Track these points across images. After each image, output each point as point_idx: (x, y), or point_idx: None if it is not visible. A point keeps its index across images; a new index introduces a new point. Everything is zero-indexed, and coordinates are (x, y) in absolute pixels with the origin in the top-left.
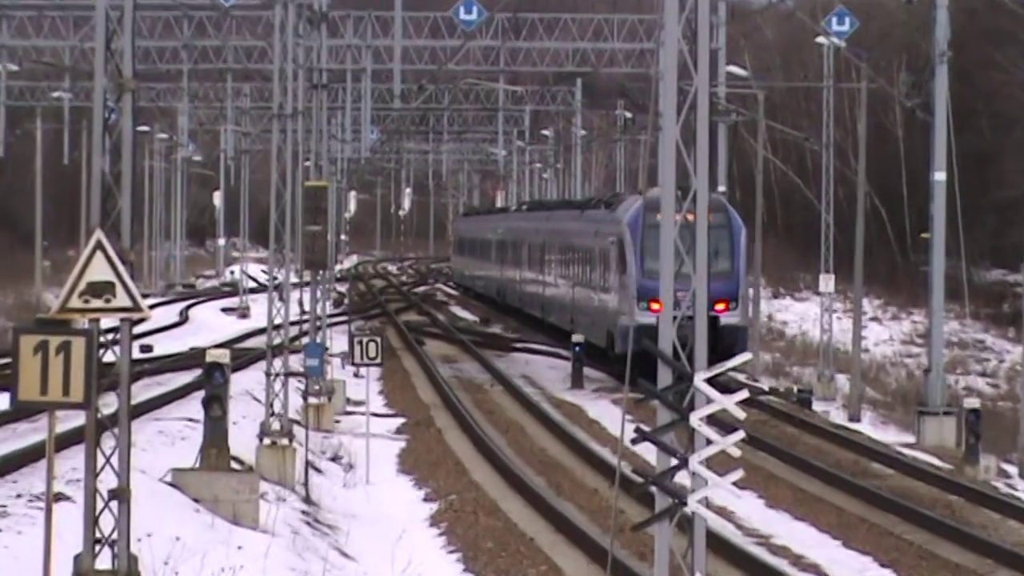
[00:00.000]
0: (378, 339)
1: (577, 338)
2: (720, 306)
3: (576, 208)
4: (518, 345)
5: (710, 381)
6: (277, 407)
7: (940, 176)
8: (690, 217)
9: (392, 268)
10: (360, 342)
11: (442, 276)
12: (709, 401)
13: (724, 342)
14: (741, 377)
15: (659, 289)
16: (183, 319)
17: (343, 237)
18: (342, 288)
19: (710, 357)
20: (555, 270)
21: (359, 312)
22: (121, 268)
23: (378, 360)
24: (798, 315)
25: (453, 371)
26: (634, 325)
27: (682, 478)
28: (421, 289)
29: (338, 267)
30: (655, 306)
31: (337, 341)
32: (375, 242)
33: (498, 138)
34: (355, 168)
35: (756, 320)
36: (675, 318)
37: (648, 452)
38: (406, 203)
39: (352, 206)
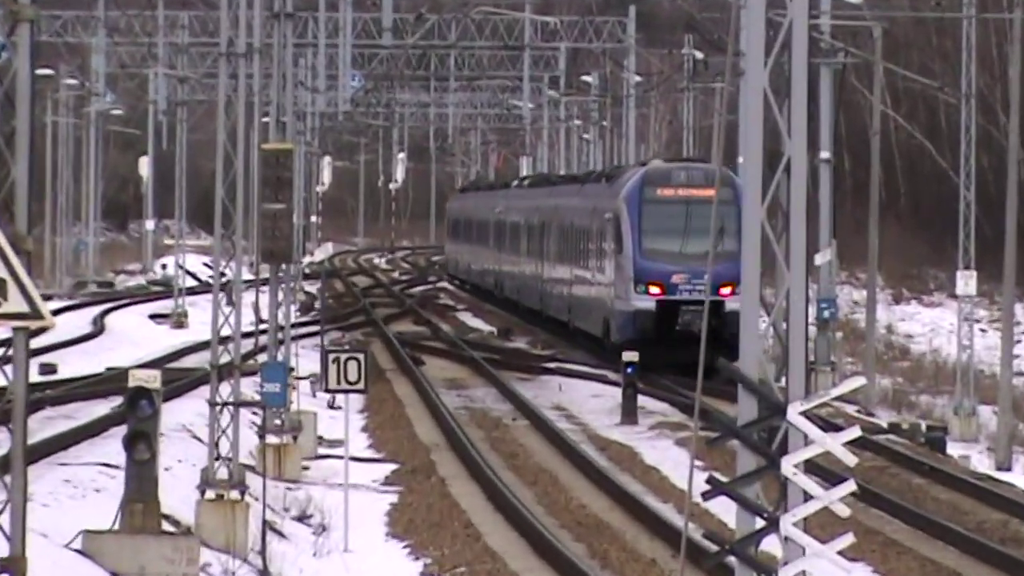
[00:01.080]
0: (361, 357)
1: (630, 357)
2: (725, 290)
3: (577, 183)
4: (549, 365)
5: (809, 414)
6: (225, 448)
7: None
8: (695, 192)
9: (380, 261)
10: (337, 361)
11: (447, 271)
12: (808, 441)
13: (730, 329)
14: (851, 409)
15: (659, 271)
16: (98, 329)
17: (314, 219)
18: (312, 288)
19: (714, 345)
20: (553, 254)
21: (335, 321)
22: (14, 261)
23: (361, 385)
24: (927, 326)
25: (462, 400)
26: (631, 310)
27: (771, 545)
28: (419, 289)
29: (307, 260)
30: (654, 289)
31: (306, 359)
32: (357, 226)
33: (523, 86)
34: (331, 126)
35: (871, 332)
36: (675, 303)
37: (725, 510)
38: (399, 174)
39: (327, 177)
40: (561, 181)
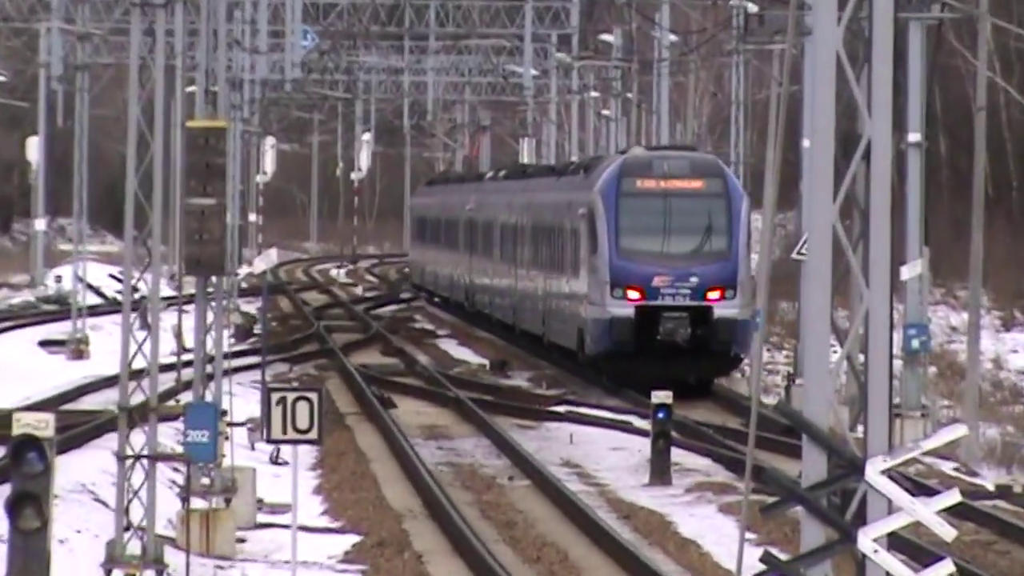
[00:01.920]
0: (314, 397)
1: (661, 397)
2: (714, 294)
3: (555, 174)
4: (557, 408)
5: (894, 474)
6: (137, 515)
7: None
8: (681, 184)
9: (339, 273)
10: (282, 403)
11: (410, 281)
12: (893, 509)
13: (719, 338)
14: (947, 467)
15: (638, 273)
16: None
17: (254, 218)
18: (252, 308)
19: (701, 358)
20: (527, 258)
21: (281, 350)
22: None
23: (313, 434)
24: None
25: (444, 454)
26: (606, 318)
27: None
28: (388, 309)
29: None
30: (632, 294)
31: (243, 400)
32: (309, 228)
33: (524, 47)
34: (275, 99)
35: (974, 368)
36: (656, 309)
37: None
38: (364, 160)
39: (270, 164)
40: (538, 172)
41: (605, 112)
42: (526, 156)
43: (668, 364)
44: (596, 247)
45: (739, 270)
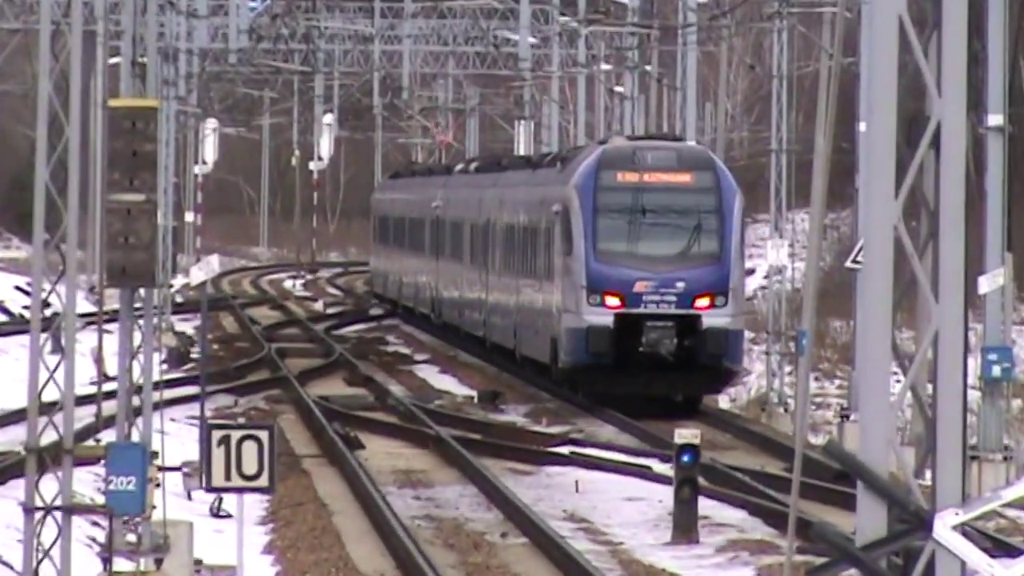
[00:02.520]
0: (264, 436)
1: (685, 436)
2: (703, 301)
3: (530, 167)
4: (560, 450)
5: (969, 529)
6: None
7: None
8: (666, 178)
9: (295, 284)
10: (226, 443)
11: (371, 290)
12: (967, 572)
13: (708, 351)
14: None
15: (618, 277)
16: None
17: (191, 218)
18: (189, 327)
19: (688, 372)
20: (499, 262)
21: (225, 378)
22: None
23: (263, 481)
24: None
25: (422, 505)
26: (583, 327)
27: None
28: (356, 328)
29: (180, 282)
30: (612, 301)
31: (177, 439)
32: (259, 230)
33: (519, 9)
34: (218, 73)
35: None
36: (638, 317)
37: None
38: (325, 146)
39: (211, 153)
40: (513, 165)
41: (619, 89)
42: (522, 143)
43: (651, 379)
44: (571, 248)
45: (731, 274)
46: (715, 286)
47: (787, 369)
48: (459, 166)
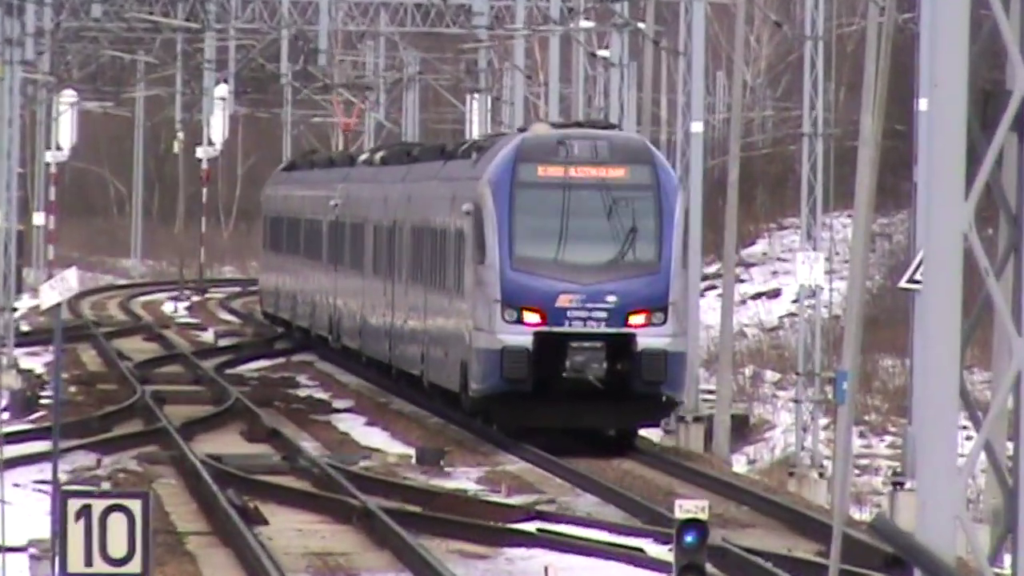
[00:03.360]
0: (136, 506)
1: (688, 509)
2: (638, 318)
3: (442, 157)
4: (523, 526)
5: None
6: None
7: None
8: (596, 173)
9: (177, 308)
10: (85, 516)
11: (261, 307)
12: None
13: (644, 376)
14: None
15: (539, 290)
16: None
17: (41, 221)
18: (38, 363)
19: (620, 401)
20: (405, 272)
21: (85, 431)
22: None
23: (135, 566)
24: None
25: None
26: (497, 349)
27: None
28: (258, 365)
29: (25, 305)
30: (531, 317)
31: (23, 509)
32: (131, 236)
33: None
34: (77, 30)
35: None
36: (562, 337)
37: None
38: (218, 127)
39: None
40: (424, 155)
41: (603, 53)
42: (476, 124)
43: (577, 409)
44: (484, 256)
45: (671, 286)
46: (652, 300)
47: (822, 421)
48: (363, 156)
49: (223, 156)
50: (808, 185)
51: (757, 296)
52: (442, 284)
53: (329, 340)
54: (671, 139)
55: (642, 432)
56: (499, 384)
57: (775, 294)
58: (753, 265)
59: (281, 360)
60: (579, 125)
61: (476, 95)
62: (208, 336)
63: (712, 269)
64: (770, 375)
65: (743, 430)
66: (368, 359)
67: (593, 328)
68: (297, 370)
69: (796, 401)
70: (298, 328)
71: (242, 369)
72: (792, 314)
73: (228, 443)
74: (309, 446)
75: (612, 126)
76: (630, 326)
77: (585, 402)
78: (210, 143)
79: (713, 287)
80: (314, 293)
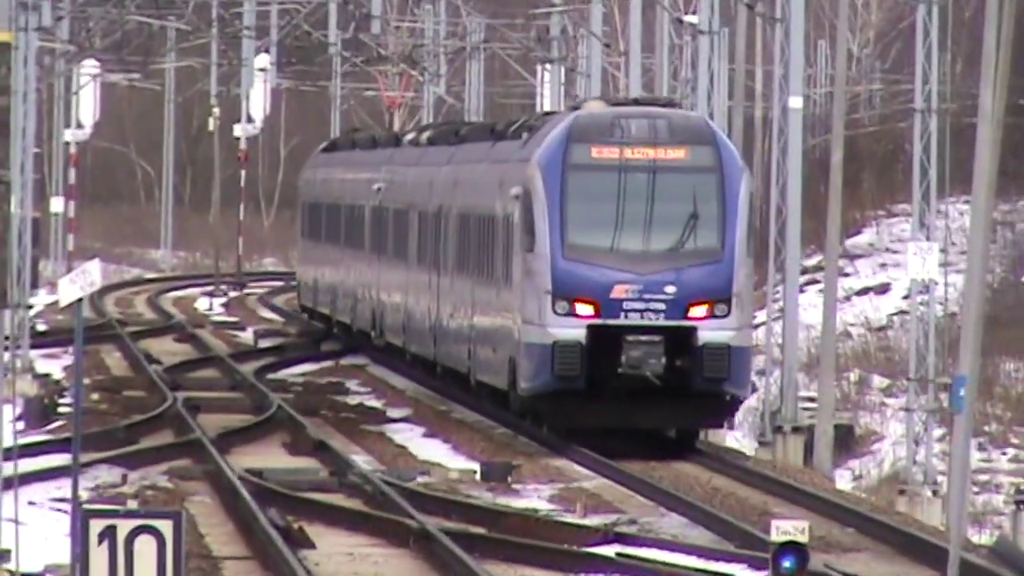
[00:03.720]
0: (166, 528)
1: (786, 531)
2: (699, 310)
3: (492, 137)
4: (602, 550)
5: None
6: None
7: None
8: (654, 154)
9: (211, 304)
10: (110, 537)
11: (299, 300)
12: None
13: (706, 373)
14: None
15: (592, 280)
16: None
17: (60, 206)
18: (57, 366)
19: (680, 400)
20: (452, 262)
21: (109, 442)
22: None
23: None
24: None
25: None
26: (547, 343)
27: None
28: (303, 369)
29: (42, 300)
30: (584, 309)
31: (40, 530)
32: (160, 226)
33: None
34: None
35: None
36: (617, 330)
37: None
38: (257, 104)
39: (90, 110)
40: (473, 135)
41: (691, 19)
42: (547, 98)
43: (634, 409)
44: (533, 243)
45: (735, 276)
46: (715, 291)
47: (937, 433)
48: (409, 136)
49: (264, 135)
50: (921, 167)
51: (863, 292)
52: (490, 275)
53: (372, 336)
54: (766, 116)
55: (733, 444)
56: (550, 382)
57: (883, 290)
58: (859, 257)
59: (329, 363)
60: (636, 103)
61: (548, 66)
62: (247, 337)
63: (812, 261)
64: (878, 381)
65: (847, 442)
66: (413, 356)
67: (651, 320)
68: (347, 375)
69: (907, 410)
70: (339, 323)
71: (285, 374)
72: (903, 312)
73: (270, 456)
74: (360, 460)
75: (673, 103)
76: (691, 318)
77: (642, 401)
78: (249, 120)
79: (814, 281)
80: (356, 285)
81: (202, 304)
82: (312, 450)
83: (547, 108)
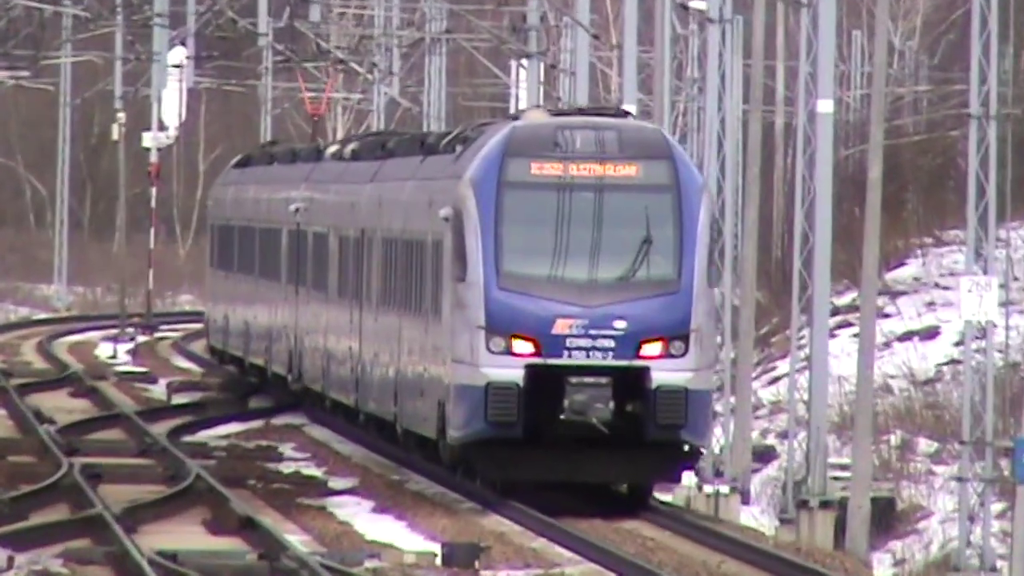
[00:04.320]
0: None
1: None
2: (653, 348)
3: (421, 151)
4: None
5: None
6: None
7: None
8: (601, 171)
9: (115, 351)
10: None
11: (207, 340)
12: None
13: (661, 419)
14: None
15: (531, 314)
16: None
17: None
18: None
19: (631, 450)
20: (375, 294)
21: None
22: None
23: None
24: None
25: None
26: (480, 385)
27: None
28: (227, 430)
29: None
30: (522, 346)
31: None
32: (53, 255)
33: None
34: None
35: None
36: (559, 371)
37: None
38: (171, 108)
39: None
40: (402, 148)
41: (698, 5)
42: (524, 98)
43: (578, 459)
44: (465, 272)
45: (694, 309)
46: (671, 326)
47: (996, 507)
48: (331, 149)
49: (179, 145)
50: (977, 185)
51: (907, 337)
52: (417, 308)
53: (289, 380)
54: (789, 122)
55: (750, 522)
56: (483, 428)
57: (931, 334)
58: (902, 294)
59: (258, 423)
60: (583, 112)
61: (524, 62)
62: (159, 391)
63: (846, 299)
64: (924, 444)
65: (888, 519)
66: (333, 403)
67: (598, 360)
68: (280, 437)
69: (960, 479)
70: (252, 366)
71: (205, 435)
72: (955, 361)
73: (186, 536)
74: (296, 540)
75: (624, 113)
76: (643, 357)
77: (588, 451)
78: (162, 127)
79: (847, 324)
80: (271, 323)
81: (104, 351)
82: (237, 528)
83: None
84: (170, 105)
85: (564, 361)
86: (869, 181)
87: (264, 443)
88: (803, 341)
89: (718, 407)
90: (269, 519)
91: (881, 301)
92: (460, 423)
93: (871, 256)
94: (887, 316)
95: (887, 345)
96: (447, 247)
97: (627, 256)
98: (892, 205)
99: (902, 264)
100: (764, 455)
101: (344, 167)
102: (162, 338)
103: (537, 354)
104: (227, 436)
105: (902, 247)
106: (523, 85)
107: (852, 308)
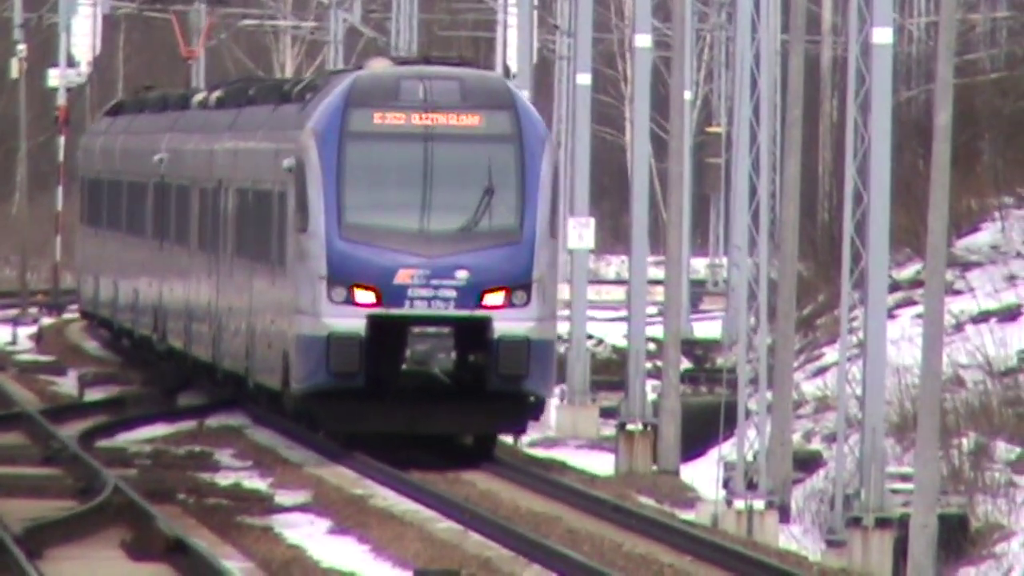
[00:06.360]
0: None
1: None
2: (495, 298)
3: (277, 99)
4: None
5: None
6: None
7: None
8: (444, 120)
9: (15, 335)
10: None
11: (80, 303)
12: None
13: (502, 370)
14: None
15: (373, 264)
16: None
17: None
18: None
19: (473, 401)
20: (231, 246)
21: None
22: None
23: None
24: None
25: None
26: (322, 336)
27: None
28: (148, 433)
29: None
30: (364, 296)
31: None
32: None
33: None
34: None
35: None
36: (401, 320)
37: None
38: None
39: None
40: (260, 95)
41: None
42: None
43: (421, 410)
44: (307, 223)
45: (536, 259)
46: (513, 276)
47: None
48: (197, 96)
49: (94, 85)
50: None
51: (982, 318)
52: (266, 260)
53: (154, 341)
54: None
55: (790, 545)
56: (325, 379)
57: (1012, 315)
58: (976, 266)
59: (189, 424)
60: (427, 61)
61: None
62: (69, 384)
63: (907, 273)
64: (1003, 449)
65: (959, 540)
66: (194, 362)
67: (439, 310)
68: (216, 441)
69: None
70: (121, 330)
71: (125, 439)
72: None
73: (101, 563)
74: (236, 567)
75: (468, 63)
76: (485, 307)
77: (430, 401)
78: (71, 64)
79: (909, 303)
80: (137, 280)
81: (1, 336)
82: (164, 552)
83: (512, 43)
84: (81, 37)
85: (406, 311)
86: (936, 128)
87: (197, 449)
88: (855, 323)
89: (751, 404)
90: (203, 541)
91: (950, 275)
92: (302, 374)
93: (939, 220)
94: (958, 293)
95: (958, 328)
96: (291, 198)
97: (469, 206)
98: (964, 157)
99: (976, 230)
100: (808, 463)
101: (207, 116)
102: (72, 320)
103: (379, 304)
104: (152, 440)
105: (976, 209)
106: (511, 11)
107: (915, 283)
